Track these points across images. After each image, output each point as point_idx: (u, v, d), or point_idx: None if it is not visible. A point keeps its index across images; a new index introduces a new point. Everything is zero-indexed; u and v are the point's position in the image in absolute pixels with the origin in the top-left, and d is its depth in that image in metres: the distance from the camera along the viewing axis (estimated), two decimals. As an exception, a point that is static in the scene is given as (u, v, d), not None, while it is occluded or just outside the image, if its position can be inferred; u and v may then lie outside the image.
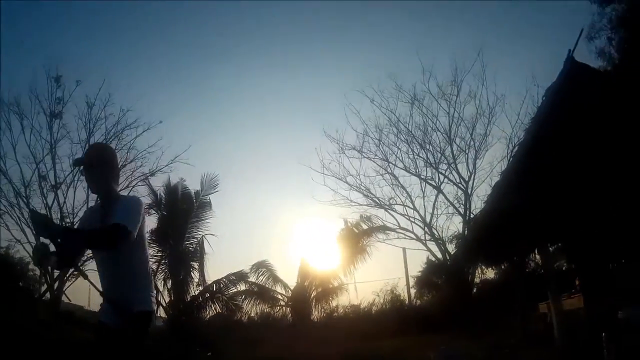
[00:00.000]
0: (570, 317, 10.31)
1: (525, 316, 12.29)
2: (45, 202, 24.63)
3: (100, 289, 3.92)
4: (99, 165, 4.00)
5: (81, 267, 4.01)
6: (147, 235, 4.23)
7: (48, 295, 24.41)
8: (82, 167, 4.27)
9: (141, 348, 3.84)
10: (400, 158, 25.80)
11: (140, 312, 3.86)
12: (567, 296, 10.79)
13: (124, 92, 53.32)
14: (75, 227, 4.12)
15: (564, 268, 15.68)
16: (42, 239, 3.81)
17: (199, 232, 20.99)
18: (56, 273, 23.81)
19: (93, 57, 45.64)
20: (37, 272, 25.72)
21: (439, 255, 24.89)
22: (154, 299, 4.10)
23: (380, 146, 26.08)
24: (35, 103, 24.58)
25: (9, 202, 24.06)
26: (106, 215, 3.93)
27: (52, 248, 3.67)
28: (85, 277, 3.92)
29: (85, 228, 4.21)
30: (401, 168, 25.85)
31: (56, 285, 23.86)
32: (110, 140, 24.63)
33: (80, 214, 24.50)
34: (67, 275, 23.42)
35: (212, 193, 21.48)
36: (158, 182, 22.86)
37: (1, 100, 24.15)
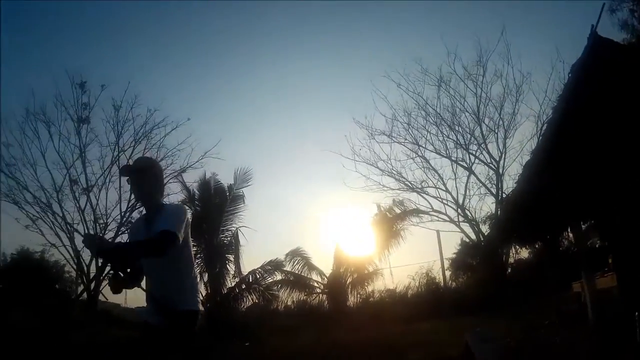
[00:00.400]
0: (604, 296, 10.22)
1: (559, 296, 12.24)
2: (77, 205, 25.01)
3: (148, 291, 4.12)
4: (145, 175, 4.19)
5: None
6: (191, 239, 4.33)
7: (85, 295, 24.87)
8: (128, 176, 4.39)
9: (188, 346, 3.95)
10: (430, 141, 25.90)
11: (185, 311, 3.99)
12: (601, 275, 10.65)
13: (150, 92, 53.92)
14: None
15: (597, 246, 15.52)
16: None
17: (233, 225, 21.31)
18: (92, 274, 24.33)
19: (116, 60, 46.14)
20: (73, 273, 26.30)
21: (473, 237, 24.99)
22: (200, 300, 4.25)
23: (410, 130, 26.21)
24: (61, 110, 24.94)
25: (41, 208, 24.52)
26: (151, 224, 4.07)
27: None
28: (140, 286, 4.11)
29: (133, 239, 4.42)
30: (431, 150, 25.95)
31: (92, 285, 24.29)
32: (140, 140, 24.98)
33: (114, 214, 24.98)
34: (104, 275, 23.90)
35: (245, 187, 21.66)
36: (190, 178, 23.10)
37: (27, 110, 24.64)
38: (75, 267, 25.16)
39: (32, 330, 16.51)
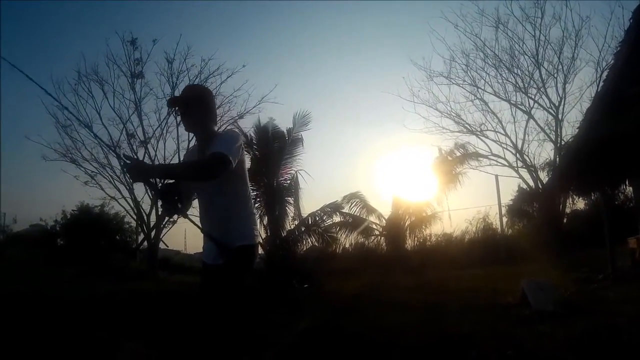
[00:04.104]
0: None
1: (614, 251, 12.26)
2: (135, 157, 25.73)
3: (202, 228, 3.98)
4: (195, 103, 3.95)
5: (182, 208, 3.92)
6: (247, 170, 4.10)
7: (145, 244, 25.84)
8: (177, 107, 4.30)
9: (242, 283, 3.85)
10: (489, 83, 25.63)
11: (241, 247, 3.82)
12: (657, 232, 10.69)
13: (204, 43, 54.29)
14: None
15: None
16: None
17: (292, 169, 21.56)
18: (152, 223, 25.18)
19: (166, 15, 46.46)
20: (133, 224, 27.38)
21: (531, 183, 24.78)
22: (256, 234, 4.04)
23: (468, 71, 26.06)
24: (114, 68, 25.76)
25: (99, 164, 25.39)
26: (204, 153, 3.84)
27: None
28: (186, 216, 4.01)
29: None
30: (490, 93, 25.66)
31: (153, 233, 25.15)
32: (196, 90, 25.45)
33: (173, 161, 25.65)
34: (164, 222, 24.74)
35: (304, 130, 21.84)
36: (248, 124, 23.46)
37: (78, 73, 25.27)
38: (135, 217, 26.15)
39: (94, 282, 17.42)
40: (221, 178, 3.63)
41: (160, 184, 3.77)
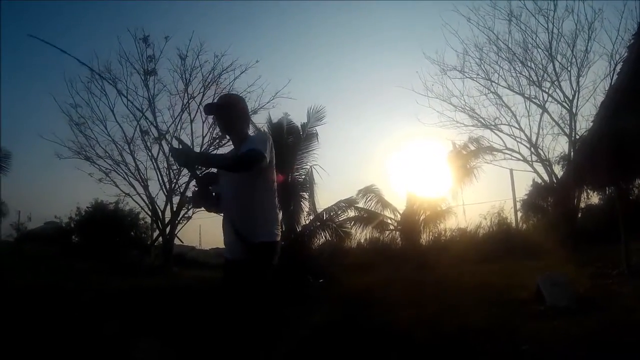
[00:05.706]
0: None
1: (629, 246, 12.21)
2: (150, 154, 25.87)
3: (225, 220, 4.25)
4: (227, 109, 4.36)
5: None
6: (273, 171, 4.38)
7: (160, 240, 25.95)
8: (212, 114, 4.80)
9: (264, 279, 4.04)
10: (503, 76, 25.37)
11: (262, 243, 4.03)
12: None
13: (217, 39, 54.19)
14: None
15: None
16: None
17: (307, 164, 21.39)
18: (167, 218, 25.30)
19: (178, 11, 46.43)
20: (148, 220, 27.62)
21: (545, 177, 24.64)
22: (277, 232, 4.24)
23: (482, 65, 25.70)
24: (126, 66, 25.64)
25: (114, 161, 25.48)
26: (238, 152, 4.20)
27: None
28: (213, 209, 4.37)
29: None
30: (504, 87, 25.45)
31: (168, 229, 25.26)
32: (209, 86, 25.53)
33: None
34: (179, 218, 24.85)
35: (318, 125, 21.55)
36: (262, 120, 23.44)
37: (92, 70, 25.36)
38: (150, 213, 26.26)
39: (108, 277, 17.57)
40: (251, 172, 4.00)
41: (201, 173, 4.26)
